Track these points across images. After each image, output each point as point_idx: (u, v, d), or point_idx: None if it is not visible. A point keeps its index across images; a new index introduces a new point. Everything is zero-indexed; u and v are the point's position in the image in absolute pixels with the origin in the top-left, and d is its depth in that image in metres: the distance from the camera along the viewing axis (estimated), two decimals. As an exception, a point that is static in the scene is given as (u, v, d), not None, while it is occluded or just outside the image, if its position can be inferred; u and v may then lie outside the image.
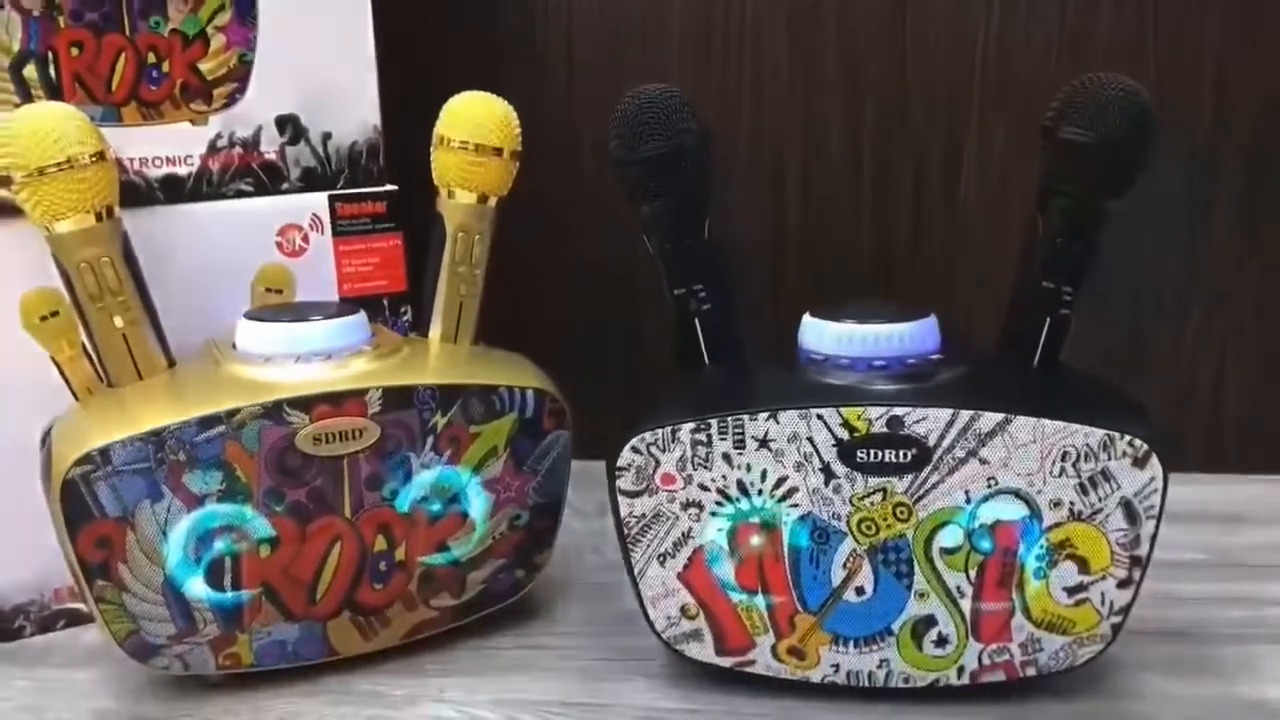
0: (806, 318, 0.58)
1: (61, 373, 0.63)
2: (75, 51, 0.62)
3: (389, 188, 0.72)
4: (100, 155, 0.58)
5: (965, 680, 0.56)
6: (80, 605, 0.66)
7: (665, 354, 0.82)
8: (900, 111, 0.88)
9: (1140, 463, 0.53)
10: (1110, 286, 0.88)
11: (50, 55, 0.62)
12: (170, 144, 0.66)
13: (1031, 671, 0.56)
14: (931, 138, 0.88)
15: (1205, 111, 0.85)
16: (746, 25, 0.88)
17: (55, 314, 0.62)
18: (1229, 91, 0.84)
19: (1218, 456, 0.89)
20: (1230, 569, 0.72)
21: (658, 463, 0.55)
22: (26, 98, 0.61)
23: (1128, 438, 0.52)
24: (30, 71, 0.61)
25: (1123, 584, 0.54)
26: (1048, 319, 0.58)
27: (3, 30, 0.60)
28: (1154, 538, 0.54)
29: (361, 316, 0.62)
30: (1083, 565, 0.54)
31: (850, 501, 0.54)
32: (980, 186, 0.88)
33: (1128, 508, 0.53)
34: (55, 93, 0.62)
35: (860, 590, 0.55)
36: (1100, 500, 0.53)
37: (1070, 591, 0.55)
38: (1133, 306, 0.89)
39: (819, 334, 0.57)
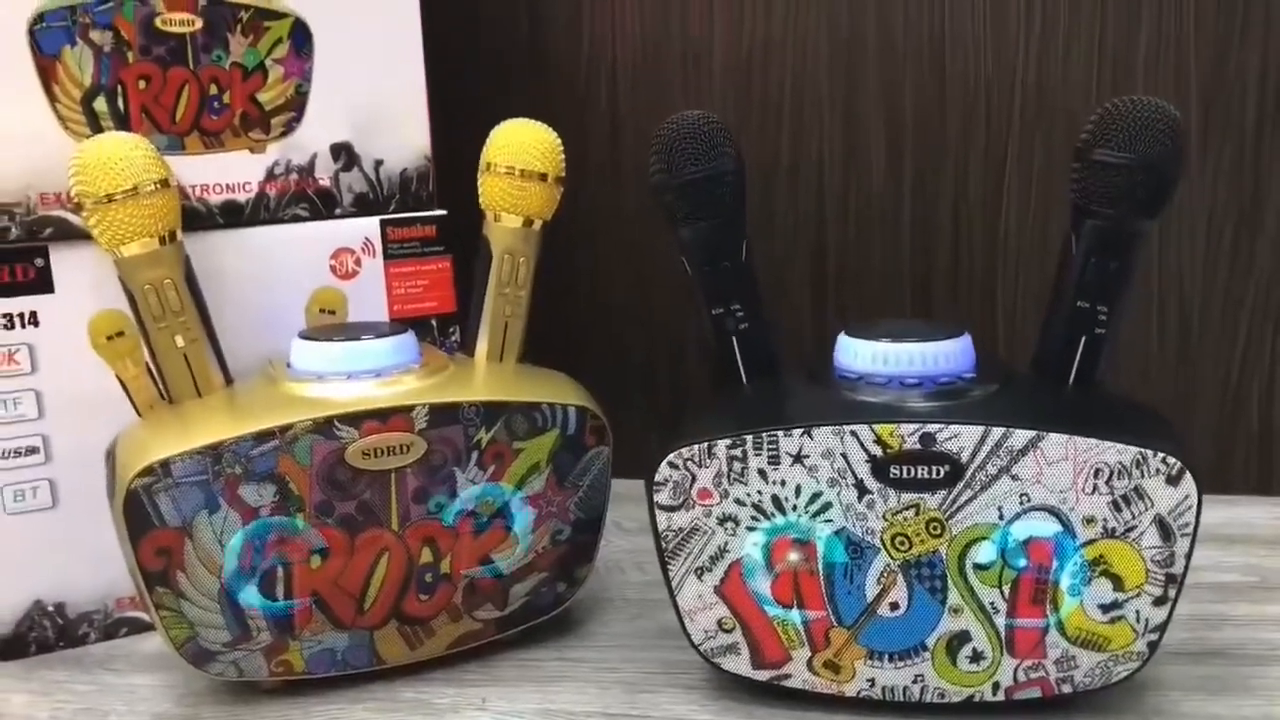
0: (842, 336, 0.60)
1: (125, 390, 0.66)
2: (142, 84, 0.66)
3: (439, 212, 0.74)
4: (164, 182, 0.61)
5: (1000, 696, 0.57)
6: (141, 614, 0.69)
7: (706, 376, 0.84)
8: (939, 135, 0.89)
9: (1174, 480, 0.53)
10: (1156, 305, 0.88)
11: (119, 88, 0.65)
12: (230, 171, 0.69)
13: (1067, 688, 0.56)
14: (972, 160, 0.89)
15: (1249, 125, 0.85)
16: (788, 52, 0.90)
17: (121, 334, 0.66)
18: (1271, 108, 0.84)
19: (1266, 479, 0.89)
20: (1276, 591, 0.71)
21: (694, 478, 0.56)
22: (96, 128, 0.65)
23: (1161, 455, 0.53)
24: (100, 104, 0.65)
25: (1158, 601, 0.55)
26: (1083, 338, 0.58)
27: (76, 65, 0.64)
28: (1189, 555, 0.54)
29: (410, 336, 0.65)
30: (1117, 582, 0.54)
31: (884, 517, 0.55)
32: (1021, 208, 0.89)
33: (1162, 525, 0.53)
34: (123, 123, 0.65)
35: (895, 605, 0.56)
36: (1134, 517, 0.53)
37: (1105, 609, 0.55)
38: (1180, 324, 0.88)
39: (854, 352, 0.58)
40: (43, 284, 0.64)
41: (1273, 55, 0.83)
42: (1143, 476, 0.53)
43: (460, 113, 0.78)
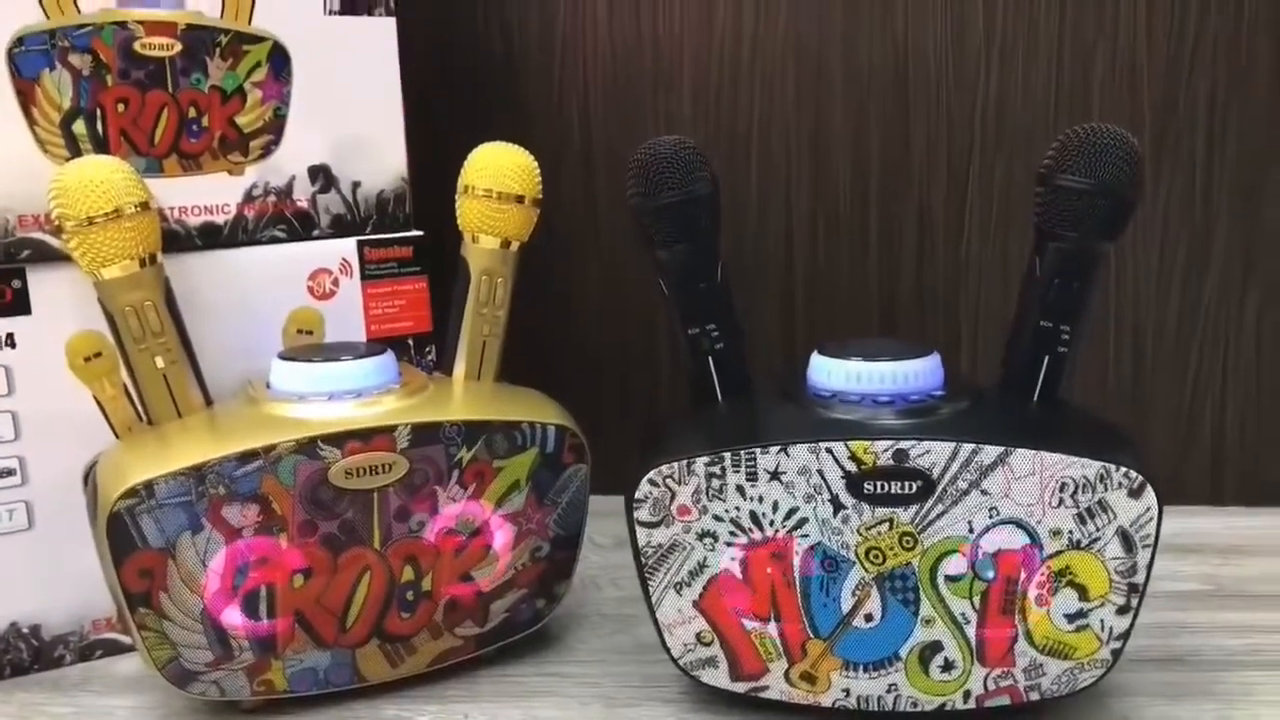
0: (815, 356, 0.61)
1: (103, 411, 0.66)
2: (121, 107, 0.66)
3: (415, 233, 0.75)
4: (144, 205, 0.61)
5: (971, 704, 0.58)
6: (117, 635, 0.69)
7: (678, 394, 0.85)
8: (903, 158, 0.91)
9: (1135, 493, 0.55)
10: (1113, 325, 0.91)
11: (98, 111, 0.65)
12: (209, 194, 0.69)
13: (1035, 696, 0.58)
14: (934, 183, 0.91)
15: (1199, 155, 0.88)
16: (756, 78, 0.92)
17: (98, 355, 0.66)
18: (1219, 136, 0.87)
19: (1218, 491, 0.92)
20: (1230, 599, 0.74)
21: (674, 494, 0.58)
22: (75, 151, 0.65)
23: (1123, 469, 0.55)
24: (79, 127, 0.65)
25: (1121, 610, 0.57)
26: (1046, 356, 0.60)
27: (55, 89, 0.64)
28: (1150, 566, 0.56)
29: (390, 356, 0.65)
30: (1082, 592, 0.56)
31: (858, 531, 0.56)
32: (982, 229, 0.91)
33: (1124, 537, 0.55)
34: (102, 146, 0.66)
35: (869, 617, 0.58)
36: (1098, 529, 0.55)
37: (1071, 618, 0.57)
38: (1135, 345, 0.91)
39: (827, 371, 0.60)
40: (20, 306, 0.64)
41: (1221, 87, 0.87)
42: (1106, 490, 0.55)
43: (437, 135, 0.79)
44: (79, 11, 0.64)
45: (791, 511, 0.57)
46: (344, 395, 0.62)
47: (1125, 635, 0.57)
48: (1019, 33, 0.88)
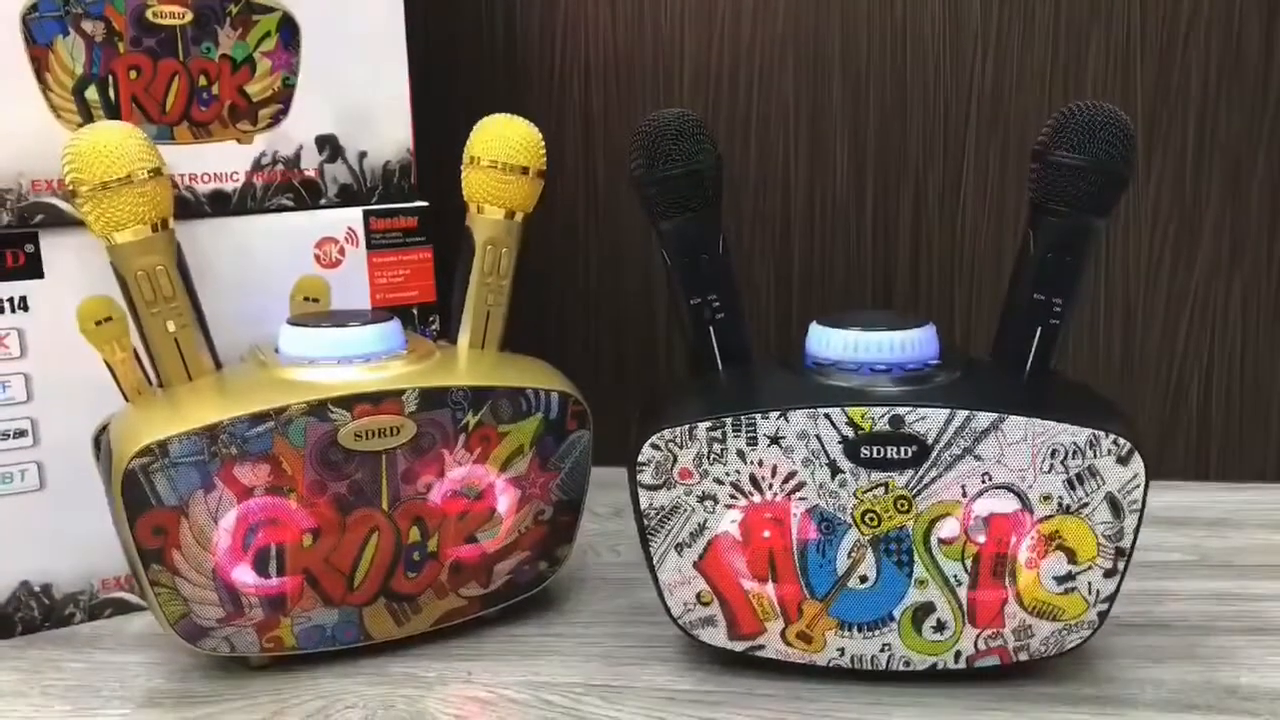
0: (814, 326, 0.63)
1: (113, 374, 0.67)
2: (133, 75, 0.67)
3: (420, 204, 0.76)
4: (157, 171, 0.62)
5: (962, 664, 0.60)
6: (126, 594, 0.70)
7: (676, 368, 0.86)
8: (900, 139, 0.93)
9: (1124, 460, 0.57)
10: (1102, 301, 0.93)
11: (110, 78, 0.66)
12: (218, 161, 0.71)
13: (1024, 656, 0.60)
14: (930, 165, 0.93)
15: (1190, 137, 0.89)
16: (755, 62, 0.93)
17: (109, 319, 0.67)
18: (1210, 119, 0.89)
19: (1203, 467, 0.93)
20: (1215, 569, 0.76)
21: (676, 458, 0.59)
22: (88, 117, 0.66)
23: (1112, 436, 0.56)
24: (91, 93, 0.66)
25: (1108, 574, 0.58)
26: (1039, 328, 0.62)
27: (68, 55, 0.65)
28: (1137, 530, 0.58)
29: (396, 323, 0.67)
30: (1071, 556, 0.58)
31: (855, 495, 0.58)
32: (976, 210, 0.93)
33: (1112, 502, 0.57)
34: (114, 113, 0.67)
35: (864, 578, 0.59)
36: (1087, 495, 0.57)
37: (1059, 580, 0.58)
38: (1125, 324, 0.93)
39: (826, 340, 0.61)
40: (33, 269, 0.65)
41: (1212, 73, 0.88)
42: (1095, 456, 0.57)
43: (442, 107, 0.80)
44: (92, -21, 0.65)
45: (790, 475, 0.58)
46: (353, 360, 0.63)
47: (1112, 598, 0.59)
48: (1014, 15, 0.90)
